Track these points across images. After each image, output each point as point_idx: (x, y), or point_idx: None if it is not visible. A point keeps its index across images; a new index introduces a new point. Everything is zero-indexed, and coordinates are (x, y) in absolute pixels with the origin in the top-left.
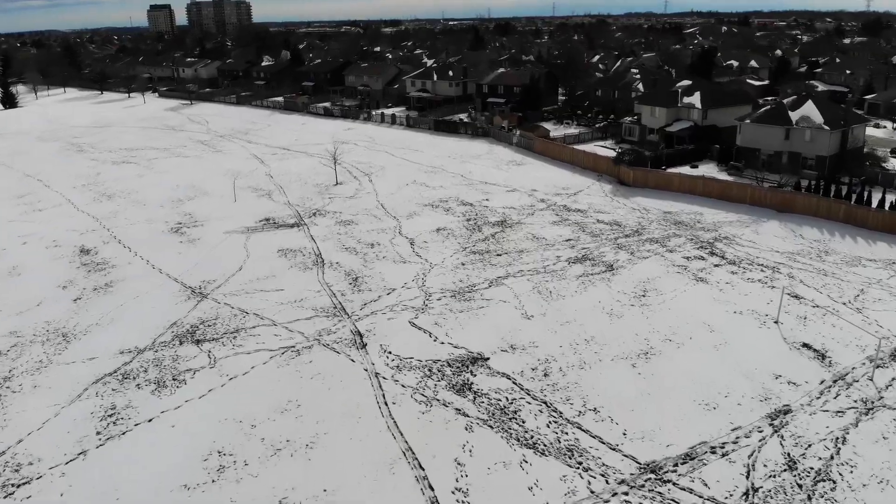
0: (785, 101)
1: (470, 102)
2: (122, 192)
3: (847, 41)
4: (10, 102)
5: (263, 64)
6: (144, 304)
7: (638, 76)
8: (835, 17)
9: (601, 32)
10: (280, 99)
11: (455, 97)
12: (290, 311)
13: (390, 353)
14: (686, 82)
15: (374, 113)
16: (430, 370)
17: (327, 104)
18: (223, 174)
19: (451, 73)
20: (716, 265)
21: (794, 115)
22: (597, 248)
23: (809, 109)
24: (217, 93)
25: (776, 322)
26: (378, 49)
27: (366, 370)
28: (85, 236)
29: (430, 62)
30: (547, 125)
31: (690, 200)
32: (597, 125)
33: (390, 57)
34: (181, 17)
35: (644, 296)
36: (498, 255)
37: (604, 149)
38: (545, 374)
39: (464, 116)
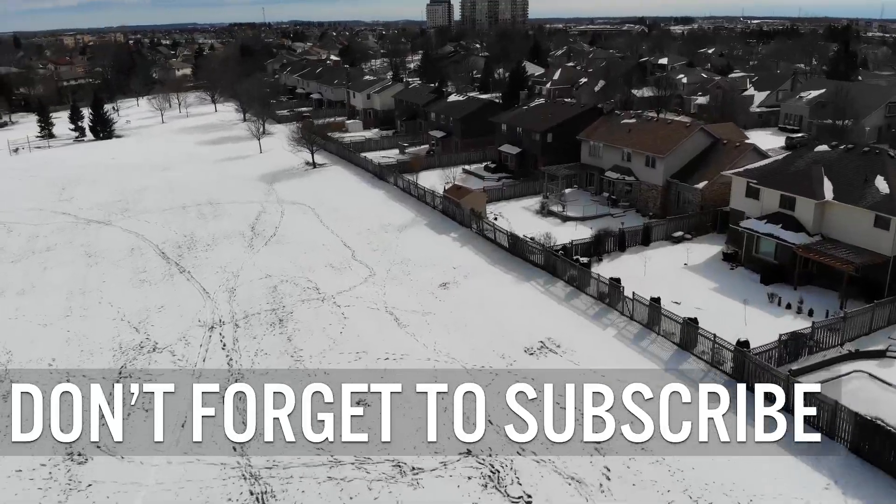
0: None
1: None
2: None
3: None
4: (105, 131)
5: (451, 99)
6: None
7: None
8: None
9: None
10: (447, 181)
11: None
12: None
13: None
14: None
15: (627, 302)
16: None
17: (535, 206)
18: None
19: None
20: None
21: None
22: None
23: None
24: (373, 144)
25: None
26: (664, 62)
27: None
28: None
29: (757, 97)
30: None
31: None
32: None
33: (685, 82)
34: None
35: None
36: None
37: None
38: None
39: None
